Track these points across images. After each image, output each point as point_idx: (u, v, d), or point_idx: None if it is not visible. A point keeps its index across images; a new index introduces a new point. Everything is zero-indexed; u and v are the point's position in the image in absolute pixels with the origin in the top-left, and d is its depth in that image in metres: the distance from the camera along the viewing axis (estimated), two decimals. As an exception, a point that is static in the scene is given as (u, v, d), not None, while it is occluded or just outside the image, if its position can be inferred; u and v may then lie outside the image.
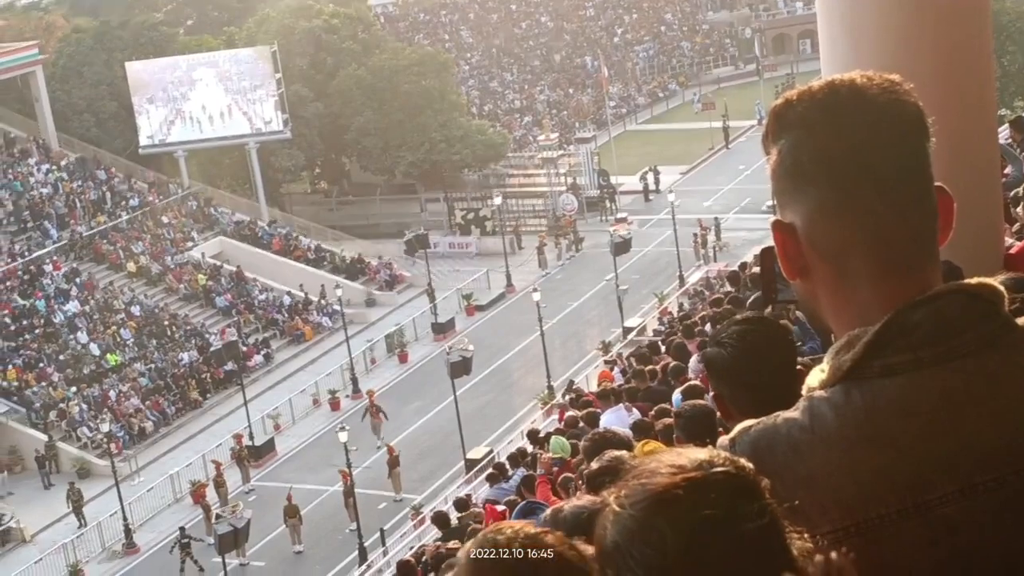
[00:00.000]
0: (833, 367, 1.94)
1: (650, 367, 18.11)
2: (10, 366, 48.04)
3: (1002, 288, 1.95)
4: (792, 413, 1.95)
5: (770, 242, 2.10)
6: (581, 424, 16.38)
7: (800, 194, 1.97)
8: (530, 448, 22.80)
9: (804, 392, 1.99)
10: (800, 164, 1.95)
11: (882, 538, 1.82)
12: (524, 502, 12.27)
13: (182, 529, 37.52)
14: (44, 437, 45.01)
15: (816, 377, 1.98)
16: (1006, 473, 1.81)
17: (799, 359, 3.72)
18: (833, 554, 1.53)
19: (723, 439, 2.02)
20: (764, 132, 2.05)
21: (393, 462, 39.45)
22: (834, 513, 1.80)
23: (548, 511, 3.92)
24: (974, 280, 1.94)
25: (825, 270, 1.97)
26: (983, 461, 1.81)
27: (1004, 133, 13.06)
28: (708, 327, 18.49)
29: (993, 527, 1.80)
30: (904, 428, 1.84)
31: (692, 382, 12.36)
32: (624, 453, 5.74)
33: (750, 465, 1.68)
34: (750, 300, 14.96)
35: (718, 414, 6.78)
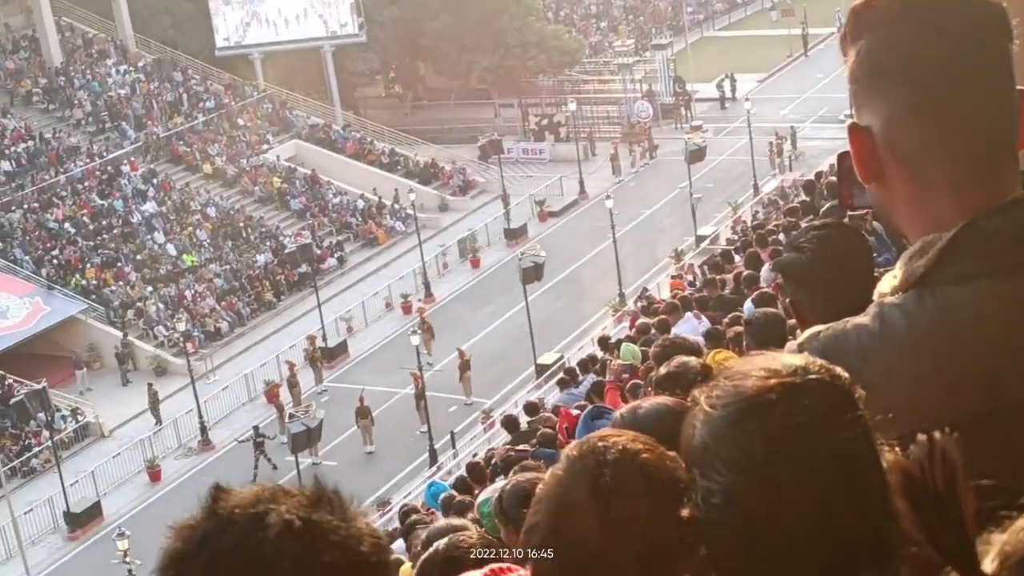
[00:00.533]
0: (906, 273, 1.92)
1: (722, 276, 18.08)
2: (89, 265, 48.79)
3: None
4: (863, 319, 1.93)
5: (847, 147, 2.08)
6: (652, 331, 16.40)
7: (878, 96, 1.93)
8: (600, 354, 22.93)
9: (876, 298, 1.97)
10: (879, 65, 1.92)
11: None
12: (592, 406, 12.34)
13: (256, 428, 38.15)
14: (120, 335, 45.78)
15: (888, 283, 1.97)
16: None
17: (875, 269, 3.68)
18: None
19: (791, 344, 2.03)
20: (843, 33, 2.01)
21: (464, 366, 39.75)
22: (902, 420, 1.74)
23: (626, 407, 3.91)
24: None
25: (901, 174, 1.93)
26: None
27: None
28: (782, 236, 18.37)
29: None
30: (976, 335, 1.81)
31: (763, 290, 12.31)
32: (692, 359, 5.73)
33: (845, 374, 1.64)
34: (824, 208, 14.84)
35: (790, 321, 6.78)
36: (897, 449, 1.64)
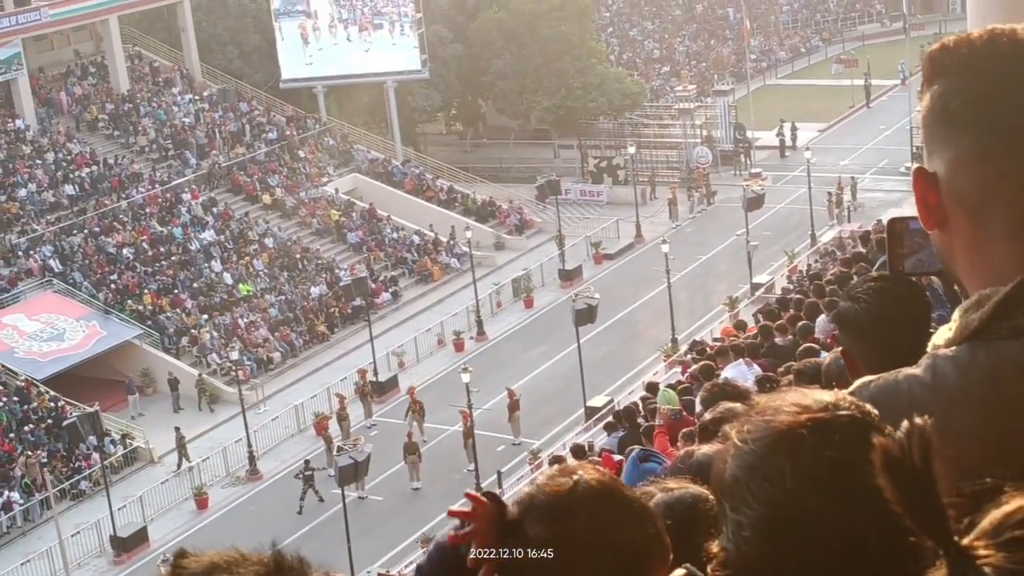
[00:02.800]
0: (961, 325, 1.90)
1: (778, 323, 17.95)
2: (146, 291, 49.23)
3: None
4: (915, 370, 1.91)
5: (898, 212, 2.04)
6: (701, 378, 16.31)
7: (946, 141, 1.90)
8: (648, 398, 22.80)
9: (929, 349, 1.95)
10: (949, 110, 1.90)
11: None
12: (640, 449, 12.27)
13: (307, 461, 38.24)
14: (177, 362, 46.14)
15: (943, 335, 1.94)
16: None
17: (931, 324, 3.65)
18: (917, 419, 1.48)
19: (842, 392, 1.98)
20: (922, 78, 2.01)
21: (513, 406, 39.70)
22: (951, 473, 1.70)
23: (681, 452, 3.96)
24: None
25: (963, 222, 1.91)
26: None
27: None
28: (837, 287, 18.25)
29: None
30: None
31: (807, 344, 12.26)
32: (739, 405, 5.68)
33: (876, 412, 1.65)
34: (877, 264, 14.72)
35: (823, 375, 6.74)
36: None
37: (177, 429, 41.78)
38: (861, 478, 1.55)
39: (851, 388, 1.95)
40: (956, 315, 1.93)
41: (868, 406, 1.65)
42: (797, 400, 1.64)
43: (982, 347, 1.85)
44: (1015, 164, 1.85)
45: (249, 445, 40.58)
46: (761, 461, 1.60)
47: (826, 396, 1.65)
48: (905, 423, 1.53)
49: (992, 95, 1.86)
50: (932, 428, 1.68)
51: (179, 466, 41.03)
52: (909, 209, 2.39)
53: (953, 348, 1.89)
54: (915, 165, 1.98)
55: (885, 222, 2.40)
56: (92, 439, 38.52)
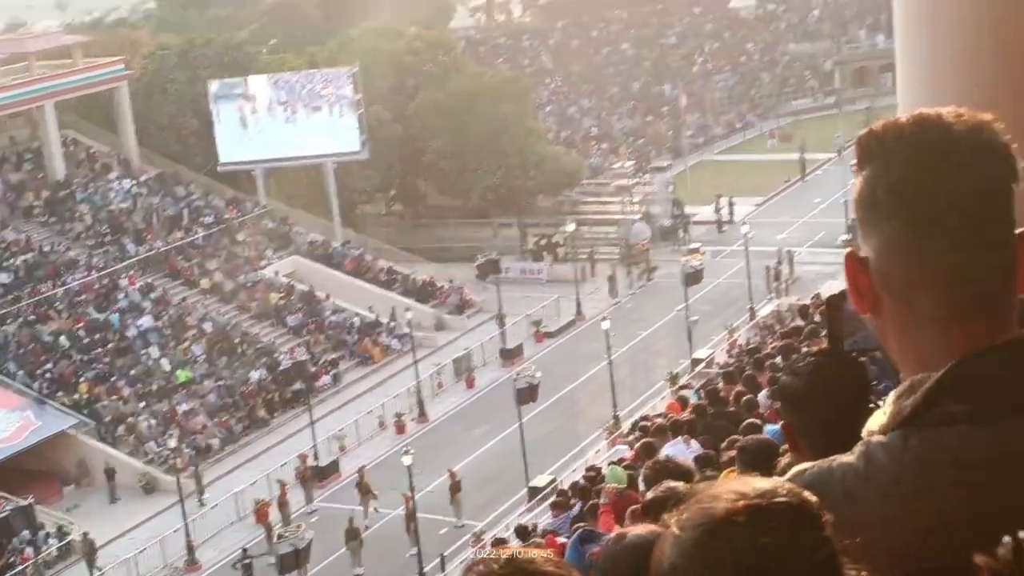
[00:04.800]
0: (894, 412, 1.91)
1: (720, 399, 17.90)
2: (82, 379, 48.54)
3: None
4: (848, 458, 1.91)
5: (835, 284, 1.92)
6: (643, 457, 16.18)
7: (875, 227, 1.92)
8: (593, 477, 22.59)
9: (864, 435, 1.94)
10: (876, 196, 1.91)
11: None
12: (582, 530, 12.10)
13: (244, 550, 37.59)
14: (113, 452, 45.40)
15: (877, 420, 1.95)
16: None
17: (873, 398, 3.64)
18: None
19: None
20: (856, 162, 2.00)
21: (455, 487, 39.36)
22: (883, 563, 1.75)
23: (612, 535, 3.94)
24: None
25: (893, 307, 1.93)
26: None
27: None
28: (779, 360, 18.23)
29: None
30: (961, 480, 1.79)
31: (750, 420, 12.20)
32: (680, 484, 5.70)
33: (814, 498, 1.64)
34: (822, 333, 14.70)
35: (781, 448, 6.62)
36: (864, 574, 1.65)
37: (85, 535, 40.09)
38: (797, 564, 1.56)
39: (787, 476, 1.94)
40: (889, 400, 1.94)
41: (806, 493, 1.64)
42: (736, 487, 1.63)
43: (915, 434, 1.85)
44: (940, 251, 1.86)
45: (187, 534, 39.85)
46: (699, 549, 1.59)
47: (765, 483, 1.65)
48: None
49: (917, 182, 1.86)
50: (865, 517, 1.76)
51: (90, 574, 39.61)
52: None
53: (886, 435, 1.89)
54: (848, 248, 1.99)
55: (824, 299, 2.30)
56: (26, 533, 37.71)
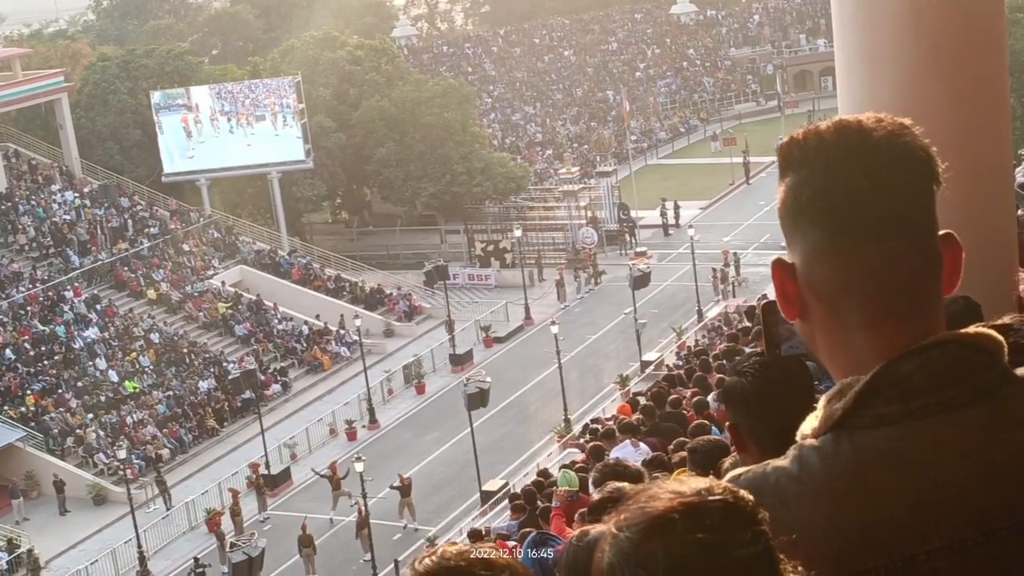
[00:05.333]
0: (824, 416, 1.92)
1: (671, 398, 18.10)
2: (29, 392, 48.16)
3: (1000, 338, 1.91)
4: (782, 462, 1.93)
5: (772, 295, 2.08)
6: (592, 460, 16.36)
7: (800, 233, 1.94)
8: (545, 481, 22.76)
9: (797, 439, 1.97)
10: (799, 203, 1.93)
11: None
12: (536, 533, 12.24)
13: (196, 559, 37.47)
14: (62, 464, 45.09)
15: (809, 424, 1.96)
16: (997, 528, 1.78)
17: (817, 398, 3.69)
18: None
19: None
20: (778, 170, 2.03)
21: (404, 491, 39.39)
22: (820, 565, 1.75)
23: (575, 534, 3.96)
24: (971, 329, 1.91)
25: (821, 313, 1.94)
26: (973, 516, 1.78)
27: (1020, 173, 13.00)
28: (725, 362, 18.47)
29: None
30: (893, 481, 1.81)
31: (699, 421, 12.38)
32: (626, 485, 5.76)
33: (750, 496, 1.67)
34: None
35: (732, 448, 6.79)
36: (801, 570, 1.67)
37: (30, 551, 39.93)
38: (733, 560, 1.59)
39: (724, 479, 1.94)
40: (820, 404, 1.96)
41: (742, 491, 1.67)
42: (673, 487, 1.66)
43: (846, 437, 1.87)
44: (864, 256, 1.88)
45: (139, 545, 39.65)
46: (635, 547, 1.62)
47: (702, 482, 1.68)
48: None
49: (839, 188, 1.88)
50: (800, 520, 1.75)
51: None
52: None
53: (819, 438, 1.91)
54: (774, 256, 2.00)
55: (759, 306, 2.43)
56: (-26, 547, 37.37)
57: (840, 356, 1.95)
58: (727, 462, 5.55)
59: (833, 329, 1.94)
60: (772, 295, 2.21)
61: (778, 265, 1.98)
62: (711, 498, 1.64)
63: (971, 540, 1.77)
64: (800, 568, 1.68)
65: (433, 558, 1.86)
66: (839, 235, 1.89)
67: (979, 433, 1.82)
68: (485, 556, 1.90)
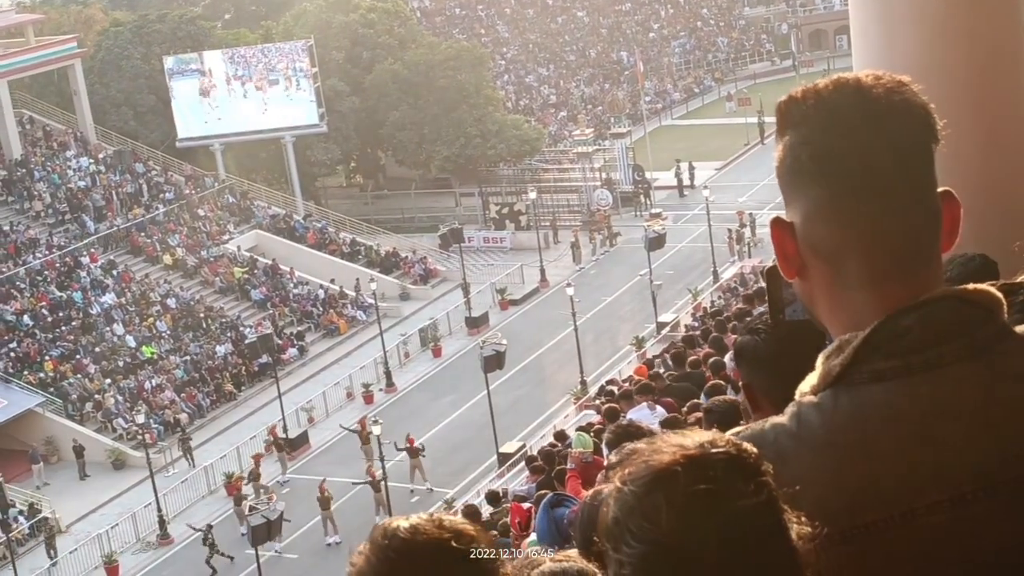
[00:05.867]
0: (823, 372, 1.93)
1: (691, 359, 18.09)
2: (47, 358, 48.39)
3: (999, 295, 1.92)
4: (781, 419, 1.93)
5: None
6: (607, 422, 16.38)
7: (800, 192, 1.93)
8: (559, 445, 22.84)
9: (796, 396, 1.97)
10: (799, 162, 1.92)
11: (869, 547, 1.80)
12: (552, 494, 12.29)
13: (210, 525, 37.51)
14: (81, 429, 45.38)
15: (808, 382, 1.97)
16: (996, 482, 1.78)
17: None
18: None
19: None
20: (776, 129, 2.02)
21: (412, 452, 39.53)
22: (820, 519, 1.75)
23: (589, 493, 3.94)
24: (970, 285, 1.92)
25: (821, 271, 1.95)
26: (973, 470, 1.79)
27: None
28: (739, 323, 18.45)
29: (982, 536, 1.78)
30: (892, 435, 1.82)
31: (714, 381, 12.38)
32: (641, 444, 5.74)
33: (753, 448, 1.68)
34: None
35: (741, 410, 6.79)
36: (805, 520, 1.69)
37: (45, 519, 40.36)
38: (736, 510, 1.61)
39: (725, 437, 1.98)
40: (819, 361, 1.96)
41: (745, 444, 1.68)
42: (677, 441, 1.68)
43: (845, 392, 1.88)
44: (865, 214, 1.88)
45: (159, 509, 39.93)
46: (639, 500, 1.64)
47: (705, 436, 1.69)
48: None
49: (839, 147, 1.88)
50: (800, 477, 1.76)
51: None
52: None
53: (818, 395, 1.92)
54: (773, 215, 2.01)
55: (763, 270, 2.43)
56: (-4, 512, 37.69)
57: (840, 314, 1.95)
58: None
59: (833, 287, 1.95)
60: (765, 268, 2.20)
61: (777, 224, 1.97)
62: (714, 450, 1.66)
63: (970, 494, 1.78)
64: (803, 518, 1.69)
65: (405, 529, 1.89)
66: (840, 193, 1.89)
67: (977, 388, 1.83)
68: (460, 527, 1.92)
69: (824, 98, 1.93)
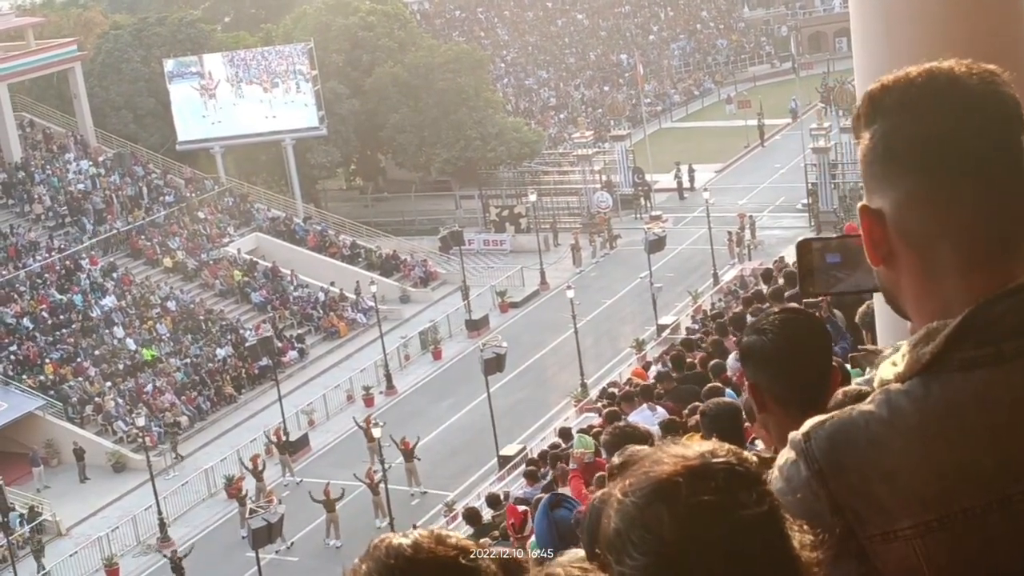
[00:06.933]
0: (911, 360, 1.93)
1: (689, 362, 18.10)
2: (47, 360, 48.39)
3: None
4: (868, 406, 1.92)
5: (805, 235, 2.07)
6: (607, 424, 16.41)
7: (891, 180, 1.94)
8: (562, 444, 22.86)
9: (877, 385, 1.98)
10: (893, 150, 1.93)
11: (966, 532, 1.81)
12: (551, 494, 12.30)
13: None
14: (81, 432, 45.38)
15: (889, 370, 1.97)
16: None
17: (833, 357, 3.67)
18: None
19: (794, 434, 1.98)
20: (856, 115, 2.02)
21: (408, 455, 39.48)
22: (916, 507, 1.80)
23: (598, 493, 3.92)
24: None
25: (911, 259, 1.95)
26: None
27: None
28: (749, 319, 18.45)
29: None
30: (986, 422, 1.82)
31: (713, 384, 12.40)
32: (644, 448, 5.73)
33: (753, 457, 1.70)
34: (788, 294, 14.92)
35: (744, 411, 6.78)
36: (807, 528, 1.71)
37: (32, 530, 39.85)
38: (738, 520, 1.62)
39: (805, 428, 1.98)
40: (904, 349, 1.96)
41: (746, 453, 1.69)
42: (677, 451, 1.69)
43: (935, 380, 1.88)
44: (961, 203, 1.89)
45: (159, 512, 39.91)
46: (640, 511, 1.64)
47: (706, 446, 1.69)
48: None
49: (935, 136, 1.89)
50: (893, 463, 1.78)
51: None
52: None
53: (906, 383, 1.92)
54: (860, 203, 2.01)
55: (796, 244, 2.44)
56: (-3, 514, 37.66)
57: (928, 303, 1.96)
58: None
59: (922, 276, 1.95)
60: (789, 257, 2.20)
61: (865, 212, 1.98)
62: (715, 461, 1.66)
63: None
64: (806, 527, 1.70)
65: (409, 547, 1.86)
66: (937, 180, 1.90)
67: None
68: (464, 544, 1.89)
69: (918, 86, 1.94)
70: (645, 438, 7.79)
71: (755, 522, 1.62)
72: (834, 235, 2.09)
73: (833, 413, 1.97)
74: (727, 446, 1.70)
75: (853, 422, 1.91)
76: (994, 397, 1.83)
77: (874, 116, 1.97)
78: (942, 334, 1.88)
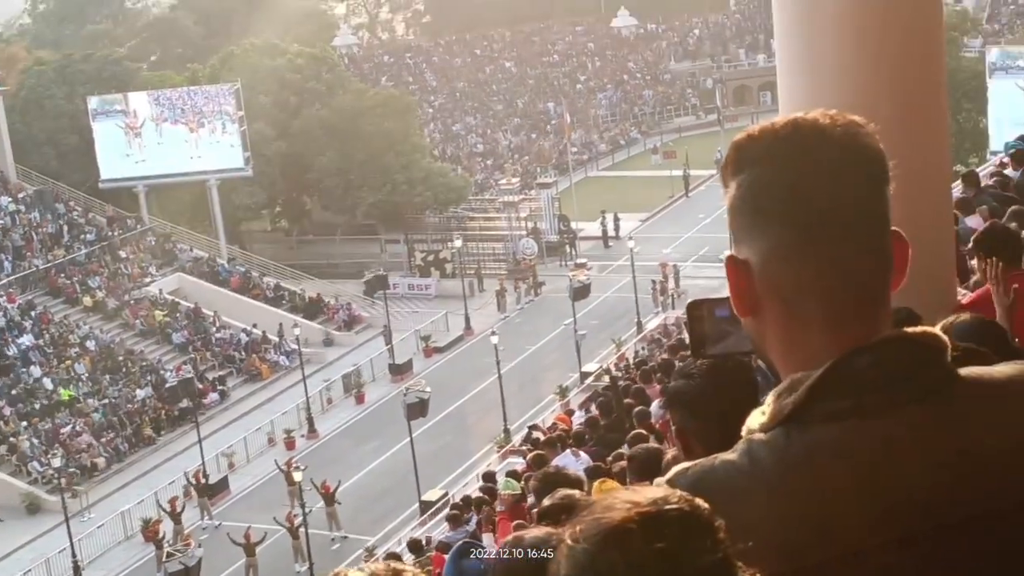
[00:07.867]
0: (774, 410, 1.91)
1: (614, 412, 18.23)
2: (-38, 399, 47.55)
3: (945, 338, 1.92)
4: (730, 456, 1.90)
5: (700, 296, 2.08)
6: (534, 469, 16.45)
7: (757, 231, 1.91)
8: (486, 487, 22.79)
9: (744, 434, 1.95)
10: (759, 201, 1.90)
11: None
12: (461, 542, 12.29)
13: None
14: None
15: (756, 419, 1.95)
16: (947, 522, 1.79)
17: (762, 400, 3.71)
18: None
19: (659, 480, 1.97)
20: (723, 164, 1.99)
21: (328, 499, 39.20)
22: (772, 558, 1.74)
23: (511, 536, 3.91)
24: (919, 328, 1.92)
25: (777, 310, 1.93)
26: (923, 510, 1.80)
27: (957, 189, 13.26)
28: (663, 374, 18.61)
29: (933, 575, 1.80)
30: (844, 475, 1.81)
31: (636, 431, 12.51)
32: (576, 492, 5.75)
33: (705, 504, 1.66)
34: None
35: (668, 455, 6.85)
36: (757, 574, 1.66)
37: None
38: (693, 568, 1.57)
39: (668, 476, 1.95)
40: (769, 399, 1.94)
41: (698, 500, 1.63)
42: (628, 497, 1.63)
43: (796, 431, 1.86)
44: (827, 256, 1.88)
45: (73, 555, 39.23)
46: (592, 559, 1.58)
47: (657, 492, 1.65)
48: None
49: (800, 187, 1.87)
50: (752, 515, 1.75)
51: None
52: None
53: (768, 432, 1.89)
54: (726, 253, 1.99)
55: (685, 307, 2.45)
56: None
57: (793, 355, 1.93)
58: (669, 454, 5.58)
59: (789, 327, 1.93)
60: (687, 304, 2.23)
61: (731, 262, 1.95)
62: (667, 507, 1.62)
63: (921, 534, 1.79)
64: (757, 574, 1.66)
65: None
66: (803, 235, 1.88)
67: (927, 430, 1.83)
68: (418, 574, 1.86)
69: (783, 137, 1.92)
70: (575, 483, 7.81)
71: (710, 569, 1.58)
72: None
73: (698, 460, 1.95)
74: (678, 492, 1.66)
75: (714, 470, 1.90)
76: (853, 450, 1.82)
77: (741, 166, 1.94)
78: (804, 385, 1.87)
